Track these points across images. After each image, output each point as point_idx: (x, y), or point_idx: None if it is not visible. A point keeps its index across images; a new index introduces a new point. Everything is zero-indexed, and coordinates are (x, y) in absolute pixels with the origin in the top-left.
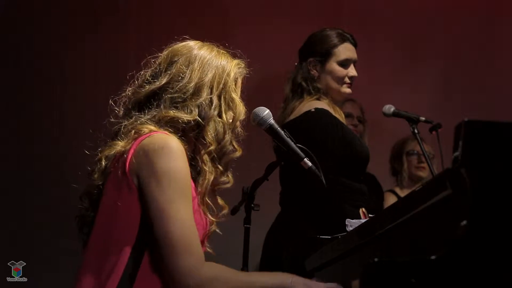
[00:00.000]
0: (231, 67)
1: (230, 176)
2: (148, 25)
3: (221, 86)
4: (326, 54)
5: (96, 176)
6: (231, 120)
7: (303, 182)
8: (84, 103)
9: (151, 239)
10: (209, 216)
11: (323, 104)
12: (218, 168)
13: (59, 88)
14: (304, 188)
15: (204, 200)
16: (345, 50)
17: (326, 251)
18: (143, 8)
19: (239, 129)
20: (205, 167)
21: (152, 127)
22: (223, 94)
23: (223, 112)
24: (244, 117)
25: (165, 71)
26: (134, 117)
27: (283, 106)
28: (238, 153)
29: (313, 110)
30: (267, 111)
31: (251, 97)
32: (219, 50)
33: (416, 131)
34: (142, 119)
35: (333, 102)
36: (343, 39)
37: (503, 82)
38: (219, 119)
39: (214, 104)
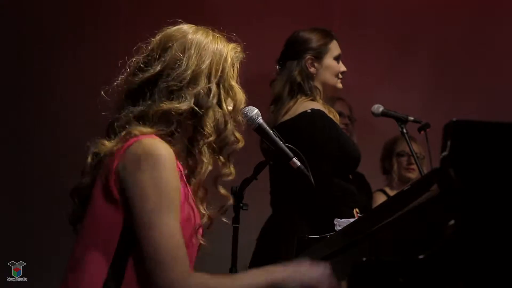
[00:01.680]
0: (227, 52)
1: (232, 168)
2: (142, 25)
3: (219, 73)
4: (323, 50)
5: (85, 173)
6: (231, 109)
7: (298, 183)
8: (85, 103)
9: (133, 249)
10: (201, 209)
11: (318, 105)
12: (220, 159)
13: (59, 88)
14: (300, 189)
15: (198, 192)
16: (336, 46)
17: (314, 251)
18: (136, 8)
19: (240, 118)
20: (203, 158)
21: (143, 129)
22: (221, 82)
23: (223, 100)
24: (244, 104)
25: (159, 57)
26: (126, 110)
27: (276, 106)
28: (241, 144)
29: (309, 111)
30: (256, 110)
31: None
32: (215, 34)
33: (404, 131)
34: (135, 113)
35: (325, 102)
36: (331, 36)
37: (493, 82)
38: (219, 109)
39: (213, 93)
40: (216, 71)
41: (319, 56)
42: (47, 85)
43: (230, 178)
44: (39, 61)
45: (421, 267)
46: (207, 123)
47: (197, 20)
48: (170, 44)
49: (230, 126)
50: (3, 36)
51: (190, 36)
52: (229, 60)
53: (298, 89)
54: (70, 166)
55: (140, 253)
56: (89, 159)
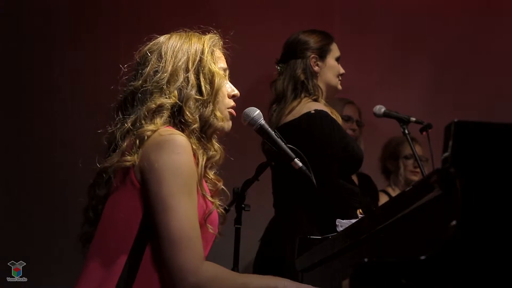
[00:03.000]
0: (203, 44)
1: (216, 148)
2: (142, 26)
3: (196, 63)
4: (326, 50)
5: (99, 188)
6: (211, 93)
7: (300, 183)
8: (85, 103)
9: (152, 236)
10: (209, 197)
11: (321, 106)
12: (204, 143)
13: (58, 88)
14: (303, 189)
15: (202, 182)
16: (336, 48)
17: (316, 251)
18: (133, 10)
19: (224, 100)
20: (194, 147)
21: (151, 127)
22: (200, 70)
23: (203, 86)
24: (231, 88)
25: (141, 72)
26: (119, 123)
27: (278, 106)
28: (221, 123)
29: (313, 111)
30: (258, 111)
31: (244, 98)
32: (188, 34)
33: (406, 131)
34: (129, 121)
35: (333, 104)
36: (331, 37)
37: (494, 82)
38: (199, 96)
39: (191, 82)
40: (193, 62)
41: (322, 55)
42: (47, 85)
43: (216, 158)
44: (39, 61)
45: (423, 268)
46: (187, 113)
47: (197, 20)
48: (148, 58)
49: (209, 108)
50: (3, 36)
51: (164, 45)
52: (206, 50)
53: (302, 88)
54: (70, 166)
55: (156, 237)
56: (101, 175)
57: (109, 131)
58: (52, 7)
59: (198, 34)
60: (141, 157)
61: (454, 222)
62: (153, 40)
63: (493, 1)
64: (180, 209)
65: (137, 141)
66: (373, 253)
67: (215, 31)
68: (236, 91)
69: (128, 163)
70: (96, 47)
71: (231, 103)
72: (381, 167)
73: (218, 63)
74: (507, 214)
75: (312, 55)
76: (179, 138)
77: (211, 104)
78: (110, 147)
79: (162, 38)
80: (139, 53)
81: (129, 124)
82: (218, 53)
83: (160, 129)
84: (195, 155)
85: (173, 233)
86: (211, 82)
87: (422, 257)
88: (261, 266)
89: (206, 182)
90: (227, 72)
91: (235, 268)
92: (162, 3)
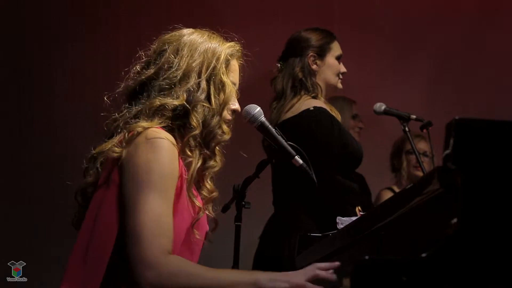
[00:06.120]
0: (221, 50)
1: (218, 159)
2: (142, 26)
3: (210, 69)
4: (326, 49)
5: (89, 173)
6: (219, 104)
7: (301, 181)
8: (85, 103)
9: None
10: (196, 202)
11: (320, 103)
12: (206, 153)
13: (58, 88)
14: (303, 187)
15: (191, 186)
16: (338, 46)
17: (316, 249)
18: (134, 10)
19: (228, 113)
20: (189, 153)
21: (144, 124)
22: (212, 78)
23: (212, 95)
24: (234, 102)
25: (154, 61)
26: (124, 110)
27: (278, 103)
28: (226, 136)
29: (311, 108)
30: (258, 108)
31: (243, 97)
32: (211, 34)
33: (407, 129)
34: (132, 112)
35: (326, 101)
36: (333, 36)
37: (495, 80)
38: (207, 104)
39: (201, 88)
40: (207, 68)
41: (321, 53)
42: (47, 85)
43: (216, 169)
44: (39, 60)
45: (424, 266)
46: (193, 117)
47: (198, 19)
48: (164, 48)
49: (216, 119)
50: (3, 36)
51: (184, 39)
52: (222, 57)
53: (301, 86)
54: (70, 166)
55: (124, 233)
56: (96, 159)
57: (113, 117)
58: (52, 7)
59: (220, 38)
60: (126, 153)
61: (455, 220)
62: (176, 31)
63: (492, 1)
64: (146, 205)
65: (126, 135)
66: (374, 250)
67: (238, 41)
68: (237, 106)
69: (115, 154)
70: (96, 47)
71: (230, 116)
72: (390, 166)
73: (230, 76)
74: (507, 212)
75: (311, 54)
76: (160, 140)
77: (218, 115)
78: (108, 134)
79: (184, 31)
80: (157, 40)
81: (131, 115)
82: (234, 66)
83: (150, 129)
84: (183, 159)
85: (134, 227)
86: (220, 93)
87: (423, 255)
88: (260, 264)
89: (200, 189)
90: (237, 86)
91: (235, 265)
92: (162, 3)
